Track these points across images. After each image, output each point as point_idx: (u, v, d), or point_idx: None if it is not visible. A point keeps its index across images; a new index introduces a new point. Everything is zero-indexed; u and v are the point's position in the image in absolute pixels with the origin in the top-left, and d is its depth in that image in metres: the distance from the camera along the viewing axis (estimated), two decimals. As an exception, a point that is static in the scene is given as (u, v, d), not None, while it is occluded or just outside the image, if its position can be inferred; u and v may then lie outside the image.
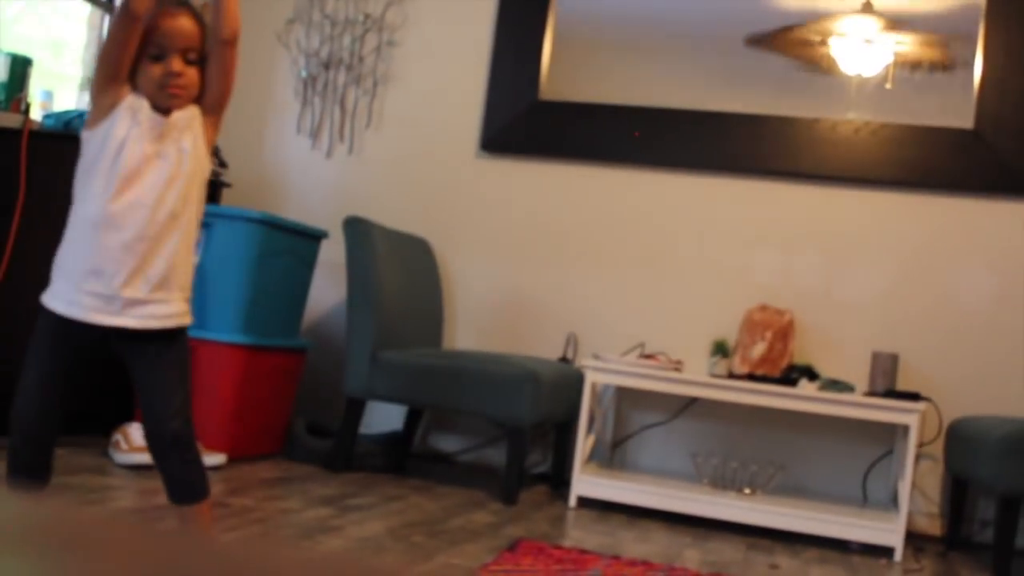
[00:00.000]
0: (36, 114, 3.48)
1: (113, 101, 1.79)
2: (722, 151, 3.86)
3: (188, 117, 1.85)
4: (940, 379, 3.59)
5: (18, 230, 3.24)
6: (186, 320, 1.88)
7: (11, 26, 3.80)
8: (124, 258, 1.77)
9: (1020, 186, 3.60)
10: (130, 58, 1.77)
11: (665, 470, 3.75)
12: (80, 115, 3.39)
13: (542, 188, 4.05)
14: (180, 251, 1.84)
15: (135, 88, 1.81)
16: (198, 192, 1.88)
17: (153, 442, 1.86)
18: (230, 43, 1.85)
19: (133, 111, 1.79)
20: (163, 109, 1.82)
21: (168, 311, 1.84)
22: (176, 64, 1.79)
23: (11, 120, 3.34)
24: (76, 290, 1.78)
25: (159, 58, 1.79)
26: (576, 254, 3.99)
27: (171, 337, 1.86)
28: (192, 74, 1.82)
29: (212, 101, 1.88)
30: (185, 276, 1.87)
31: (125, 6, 1.73)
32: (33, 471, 1.83)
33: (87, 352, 1.85)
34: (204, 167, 1.90)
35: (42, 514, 0.46)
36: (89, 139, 1.81)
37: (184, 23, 1.81)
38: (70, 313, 1.78)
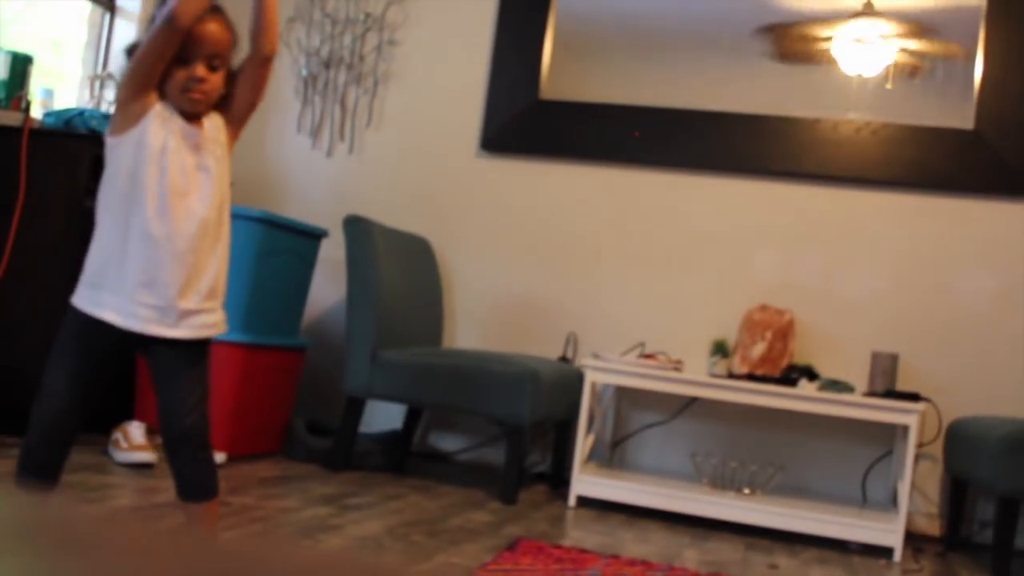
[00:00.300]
0: (36, 112, 3.48)
1: (143, 109, 1.79)
2: (722, 151, 3.86)
3: (216, 127, 1.86)
4: (940, 379, 3.59)
5: (18, 228, 3.24)
6: (224, 328, 1.92)
7: (12, 24, 3.80)
8: (178, 270, 1.80)
9: (1020, 186, 3.60)
10: (164, 67, 1.78)
11: (664, 470, 3.75)
12: (80, 113, 3.38)
13: (542, 187, 4.05)
14: (223, 260, 1.88)
15: (160, 92, 1.81)
16: (229, 201, 1.91)
17: (167, 438, 1.87)
18: (269, 60, 1.87)
19: (163, 119, 1.80)
20: (187, 114, 1.82)
21: (214, 320, 1.88)
22: (200, 70, 1.79)
23: (11, 118, 3.34)
24: (131, 302, 1.78)
25: (185, 62, 1.79)
26: (576, 253, 3.99)
27: (204, 341, 1.88)
28: (215, 81, 1.82)
29: (240, 113, 1.89)
30: (225, 284, 1.92)
31: (171, 18, 1.73)
32: (44, 471, 1.84)
33: (116, 355, 1.86)
34: (230, 175, 1.92)
35: (41, 513, 0.46)
36: (116, 146, 1.81)
37: (214, 29, 1.81)
38: (128, 325, 1.79)
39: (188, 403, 1.84)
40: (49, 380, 1.81)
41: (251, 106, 1.91)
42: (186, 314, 1.82)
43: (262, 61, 1.87)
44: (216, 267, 1.86)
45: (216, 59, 1.81)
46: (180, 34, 1.75)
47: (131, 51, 1.84)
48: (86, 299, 1.81)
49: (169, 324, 1.80)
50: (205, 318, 1.86)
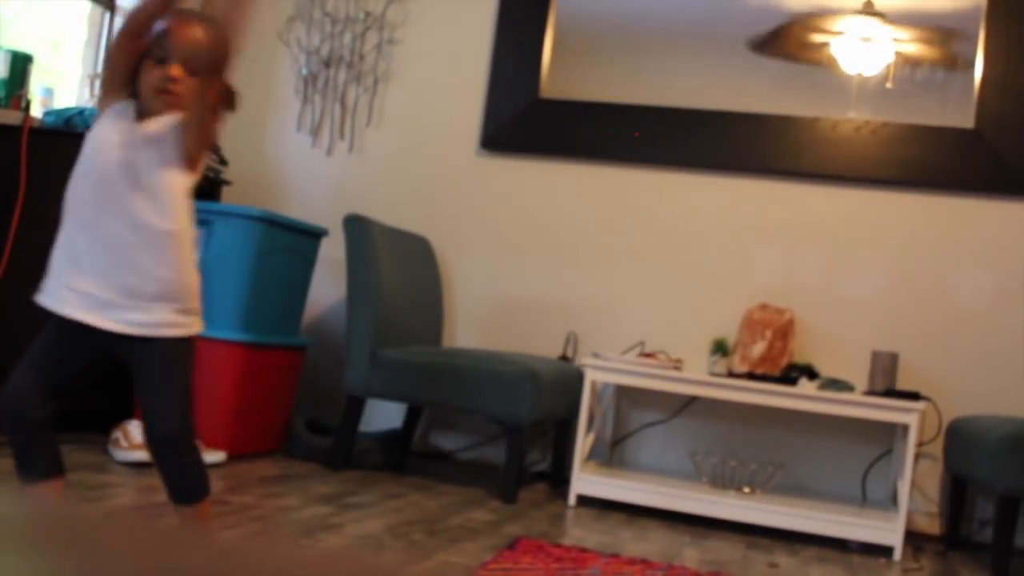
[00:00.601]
0: (36, 111, 3.47)
1: (106, 105, 1.85)
2: (722, 150, 3.86)
3: (165, 127, 1.83)
4: (940, 378, 3.59)
5: (18, 227, 3.24)
6: (176, 331, 1.86)
7: (12, 23, 3.80)
8: (99, 260, 1.81)
9: (1020, 186, 3.60)
10: (128, 67, 1.82)
11: (664, 469, 3.75)
12: (80, 112, 3.38)
13: (542, 186, 4.05)
14: (160, 263, 1.83)
15: (135, 88, 1.83)
16: (180, 205, 1.86)
17: (150, 444, 1.89)
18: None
19: (114, 116, 1.83)
20: (151, 113, 1.83)
21: (150, 319, 1.83)
22: (175, 70, 1.80)
23: (11, 117, 3.34)
24: (60, 286, 1.82)
25: (163, 61, 1.80)
26: (576, 252, 3.99)
27: (172, 344, 1.87)
28: (190, 84, 1.82)
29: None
30: (176, 288, 1.86)
31: (125, 23, 1.78)
32: (36, 461, 1.84)
33: (82, 350, 1.86)
34: (181, 180, 1.87)
35: (41, 511, 0.46)
36: (85, 139, 1.87)
37: (193, 31, 1.82)
38: (55, 308, 1.82)
39: (164, 408, 1.84)
40: (17, 367, 1.83)
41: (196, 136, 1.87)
42: (106, 305, 1.80)
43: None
44: (144, 267, 1.82)
45: (195, 63, 1.81)
46: (135, 38, 1.79)
47: None
48: (43, 289, 1.86)
49: (92, 311, 1.80)
50: (132, 315, 1.81)
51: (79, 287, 1.80)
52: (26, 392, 1.81)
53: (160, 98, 1.81)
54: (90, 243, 1.81)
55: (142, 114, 1.83)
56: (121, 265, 1.81)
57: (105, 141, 1.82)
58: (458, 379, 3.37)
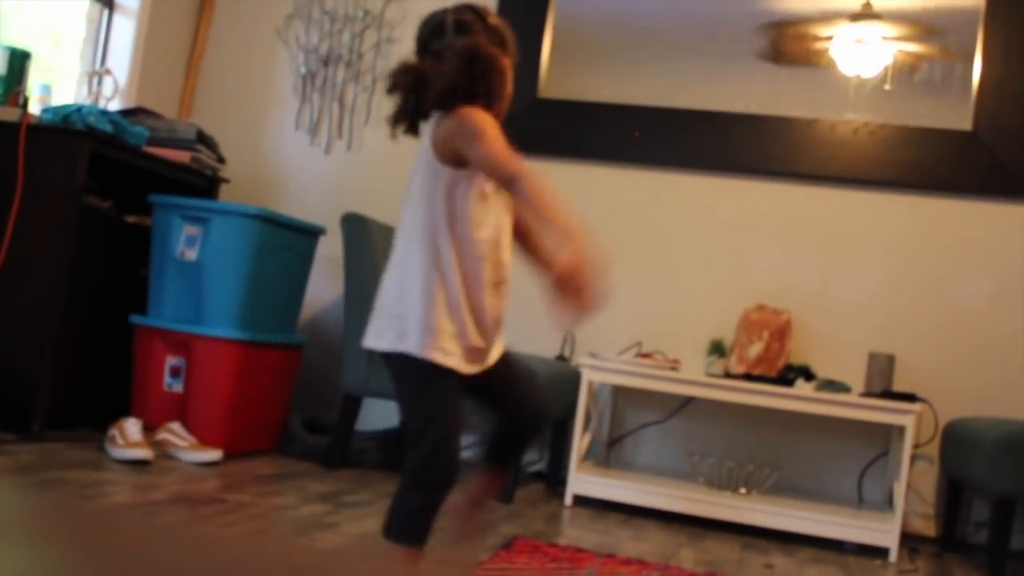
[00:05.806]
0: (34, 108, 3.47)
1: None
2: (721, 151, 3.86)
3: (425, 132, 2.04)
4: (936, 380, 3.59)
5: (15, 224, 3.23)
6: (377, 344, 1.96)
7: (10, 19, 3.79)
8: None
9: (1018, 187, 3.60)
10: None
11: (661, 469, 3.75)
12: (78, 109, 3.37)
13: (540, 186, 4.04)
14: (389, 278, 2.08)
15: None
16: (407, 221, 2.00)
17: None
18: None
19: None
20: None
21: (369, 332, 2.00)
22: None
23: (9, 114, 3.33)
24: None
25: None
26: (574, 252, 3.98)
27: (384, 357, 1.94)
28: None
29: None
30: (386, 302, 1.98)
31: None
32: None
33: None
34: (421, 192, 2.01)
35: (39, 508, 0.46)
36: None
37: None
38: None
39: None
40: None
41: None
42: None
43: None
44: (385, 284, 1.95)
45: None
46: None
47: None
48: None
49: None
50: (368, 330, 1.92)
51: None
52: None
53: None
54: None
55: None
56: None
57: None
58: (455, 378, 3.36)
